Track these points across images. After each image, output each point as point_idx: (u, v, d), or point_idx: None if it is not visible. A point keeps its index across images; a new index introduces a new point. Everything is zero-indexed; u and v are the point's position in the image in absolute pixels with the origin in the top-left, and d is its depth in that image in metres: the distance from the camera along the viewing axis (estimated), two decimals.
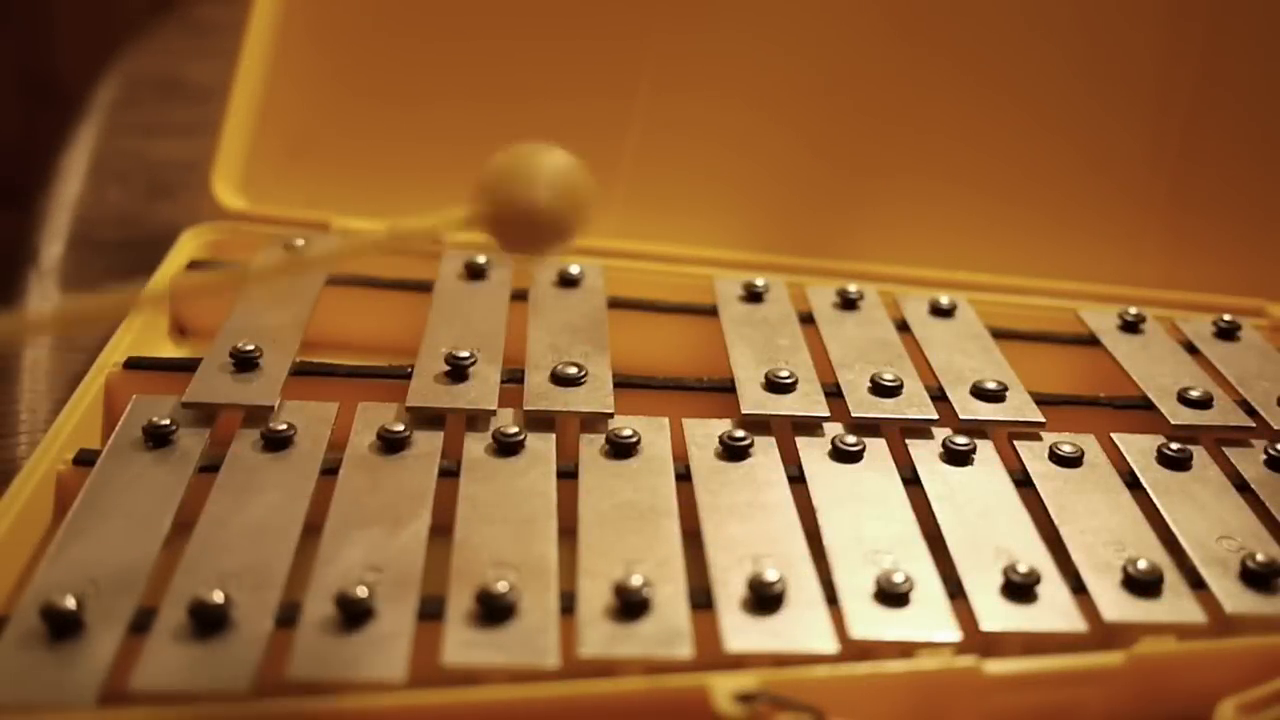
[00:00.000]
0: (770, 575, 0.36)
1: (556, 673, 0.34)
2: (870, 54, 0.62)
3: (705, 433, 0.44)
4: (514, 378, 0.46)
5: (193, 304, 0.54)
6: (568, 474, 0.42)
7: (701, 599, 0.36)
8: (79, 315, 0.39)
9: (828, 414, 0.45)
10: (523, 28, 0.62)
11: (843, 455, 0.44)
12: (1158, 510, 0.42)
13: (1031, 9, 0.62)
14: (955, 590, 0.38)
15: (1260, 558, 0.39)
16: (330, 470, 0.41)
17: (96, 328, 0.47)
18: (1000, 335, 0.52)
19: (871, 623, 0.36)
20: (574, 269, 0.54)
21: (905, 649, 0.35)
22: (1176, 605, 0.38)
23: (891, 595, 0.37)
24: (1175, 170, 0.62)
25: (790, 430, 0.45)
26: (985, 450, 0.45)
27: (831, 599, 0.37)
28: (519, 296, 0.52)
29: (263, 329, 0.48)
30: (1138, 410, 0.48)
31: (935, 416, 0.46)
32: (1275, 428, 0.47)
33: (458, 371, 0.46)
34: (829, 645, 0.35)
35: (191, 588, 0.35)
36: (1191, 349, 0.53)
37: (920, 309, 0.54)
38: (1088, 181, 0.62)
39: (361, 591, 0.35)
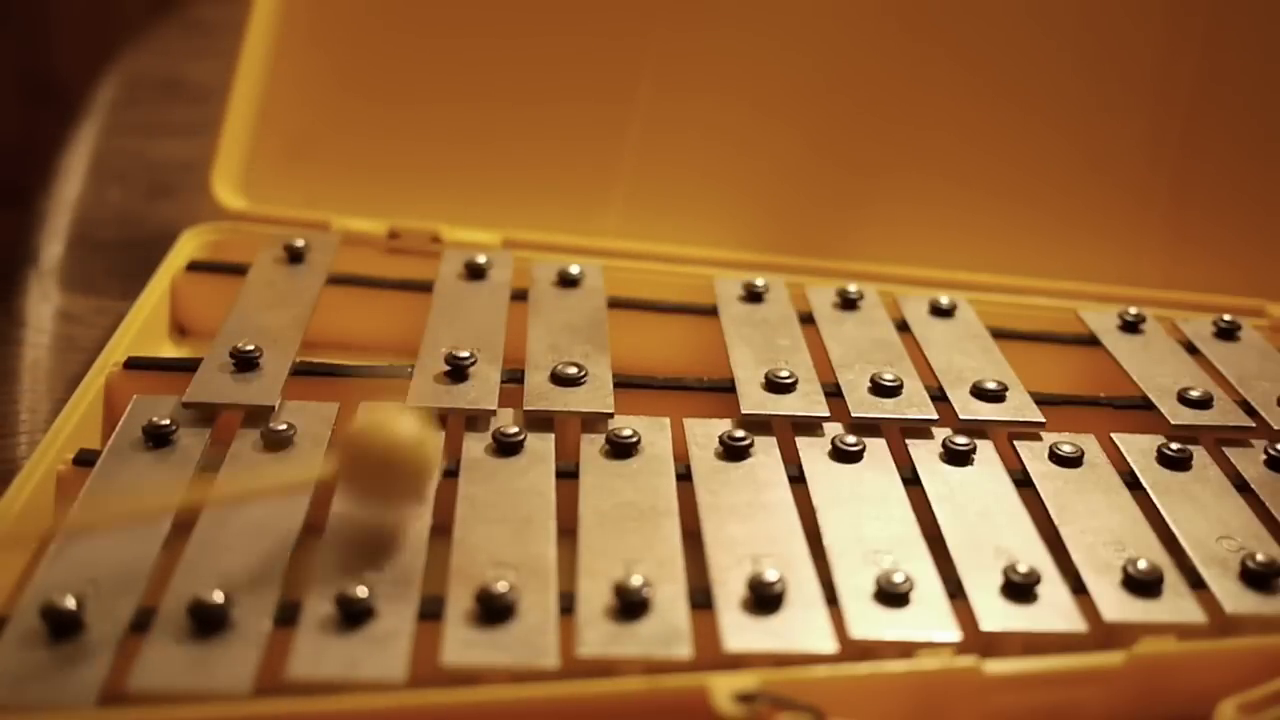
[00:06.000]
0: (770, 575, 0.36)
1: (556, 673, 0.34)
2: (870, 54, 0.62)
3: (705, 433, 0.44)
4: (514, 378, 0.46)
5: (193, 305, 0.54)
6: (568, 474, 0.42)
7: (701, 599, 0.36)
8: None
9: (828, 414, 0.45)
10: (523, 27, 0.62)
11: (843, 455, 0.44)
12: (1158, 510, 0.42)
13: (1032, 7, 0.62)
14: (955, 590, 0.38)
15: (1260, 558, 0.39)
16: None
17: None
18: (1000, 335, 0.52)
19: (871, 623, 0.36)
20: (574, 269, 0.54)
21: (905, 649, 0.35)
22: (1176, 605, 0.38)
23: (891, 595, 0.37)
24: (1175, 170, 0.62)
25: (790, 430, 0.45)
26: (985, 450, 0.45)
27: (831, 599, 0.37)
28: (519, 296, 0.52)
29: (263, 329, 0.48)
30: (1138, 410, 0.48)
31: (935, 416, 0.46)
32: (1275, 428, 0.47)
33: (458, 371, 0.46)
34: (829, 645, 0.35)
35: (191, 588, 0.35)
36: (1191, 349, 0.53)
37: (920, 309, 0.54)
38: (1088, 181, 0.62)
39: (361, 591, 0.35)
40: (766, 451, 0.43)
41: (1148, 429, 0.47)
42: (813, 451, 0.44)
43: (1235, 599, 0.38)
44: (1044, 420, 0.46)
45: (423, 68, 0.61)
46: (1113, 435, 0.46)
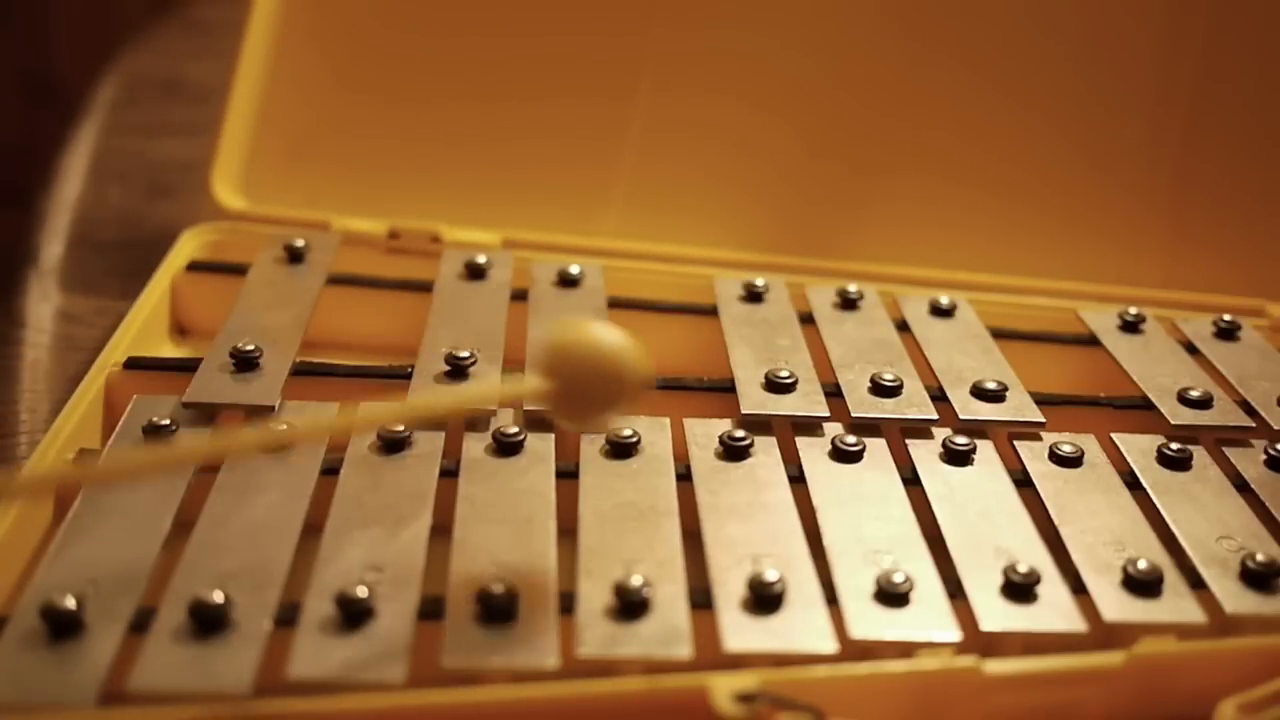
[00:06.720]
0: (770, 575, 0.36)
1: (556, 673, 0.34)
2: (870, 54, 0.62)
3: (705, 433, 0.44)
4: None
5: (193, 305, 0.54)
6: (568, 474, 0.42)
7: (701, 599, 0.36)
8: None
9: (828, 414, 0.45)
10: (523, 26, 0.62)
11: (843, 455, 0.44)
12: (1158, 510, 0.42)
13: (1032, 7, 0.62)
14: (955, 590, 0.38)
15: (1260, 558, 0.39)
16: (330, 470, 0.41)
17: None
18: (1000, 335, 0.52)
19: (871, 623, 0.36)
20: (574, 269, 0.54)
21: (905, 649, 0.35)
22: (1176, 605, 0.38)
23: (891, 595, 0.37)
24: (1176, 169, 0.62)
25: (790, 430, 0.45)
26: (985, 450, 0.45)
27: (831, 599, 0.37)
28: (519, 296, 0.52)
29: (263, 329, 0.48)
30: (1138, 410, 0.48)
31: (935, 416, 0.46)
32: (1275, 428, 0.47)
33: (458, 371, 0.46)
34: (829, 645, 0.35)
35: (191, 588, 0.35)
36: (1191, 349, 0.53)
37: (920, 309, 0.54)
38: (1088, 181, 0.62)
39: (361, 591, 0.35)
40: (766, 451, 0.43)
41: (1148, 429, 0.47)
42: (813, 451, 0.44)
43: (1235, 599, 0.38)
44: (1044, 420, 0.46)
45: (422, 67, 0.61)
46: (1113, 435, 0.46)
